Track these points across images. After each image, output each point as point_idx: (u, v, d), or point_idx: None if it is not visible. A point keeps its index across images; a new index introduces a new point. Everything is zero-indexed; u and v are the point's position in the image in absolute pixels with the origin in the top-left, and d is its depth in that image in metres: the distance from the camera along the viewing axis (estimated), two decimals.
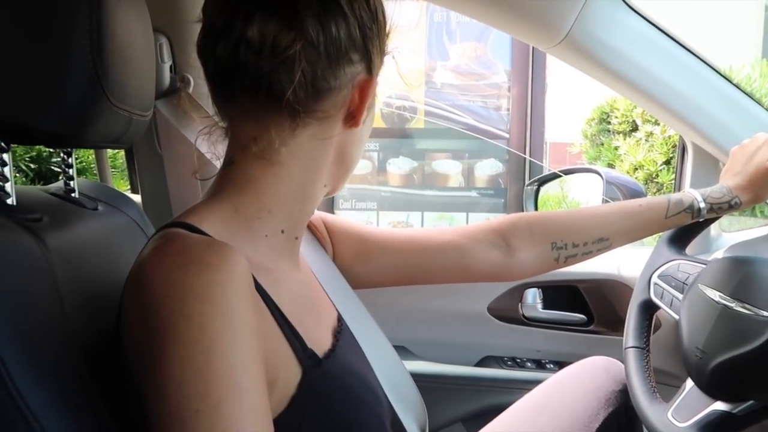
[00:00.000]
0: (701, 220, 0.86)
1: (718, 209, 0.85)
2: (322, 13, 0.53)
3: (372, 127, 0.66)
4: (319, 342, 0.59)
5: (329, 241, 0.79)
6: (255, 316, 0.48)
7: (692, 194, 0.85)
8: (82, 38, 0.53)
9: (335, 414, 0.55)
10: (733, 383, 0.75)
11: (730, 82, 1.05)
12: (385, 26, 0.59)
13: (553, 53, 1.07)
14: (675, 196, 0.85)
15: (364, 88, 0.57)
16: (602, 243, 0.81)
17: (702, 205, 0.84)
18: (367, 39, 0.56)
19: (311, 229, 0.77)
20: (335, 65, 0.55)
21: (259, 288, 0.53)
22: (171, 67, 1.01)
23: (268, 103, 0.55)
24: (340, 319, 0.68)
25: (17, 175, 2.59)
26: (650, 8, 1.03)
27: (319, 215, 0.80)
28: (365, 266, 0.79)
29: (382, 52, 0.60)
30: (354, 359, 0.64)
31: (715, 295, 0.79)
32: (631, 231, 0.83)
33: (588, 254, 0.82)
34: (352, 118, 0.58)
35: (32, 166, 2.71)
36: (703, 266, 0.88)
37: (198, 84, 0.99)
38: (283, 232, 0.60)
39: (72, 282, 0.57)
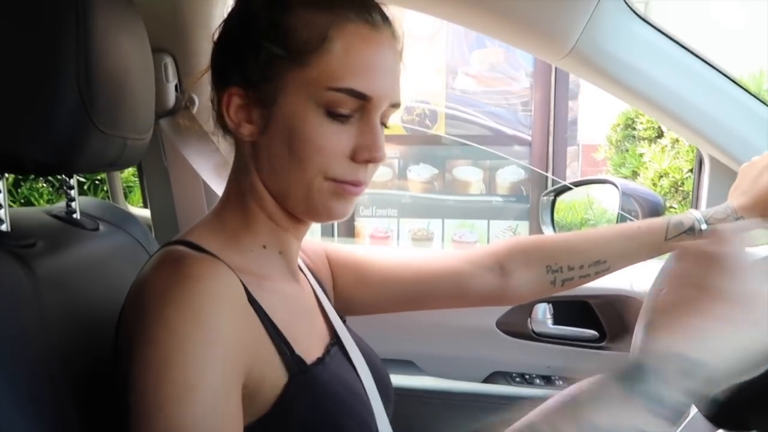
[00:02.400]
0: None
1: None
2: None
3: (298, 132, 0.57)
4: (309, 350, 0.60)
5: (329, 270, 0.80)
6: (241, 326, 0.51)
7: (693, 215, 0.82)
8: (69, 67, 0.53)
9: (322, 419, 0.57)
10: (737, 412, 0.72)
11: (747, 91, 1.01)
12: (247, 35, 0.59)
13: (561, 65, 1.05)
14: (675, 217, 0.82)
15: (226, 100, 0.60)
16: (599, 266, 0.80)
17: (704, 226, 0.81)
18: (225, 61, 0.61)
19: (311, 258, 0.79)
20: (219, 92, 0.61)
21: (248, 295, 0.55)
22: (176, 86, 1.02)
23: None
24: (334, 336, 0.69)
25: (44, 184, 2.66)
26: (666, 15, 1.00)
27: (321, 245, 0.82)
28: (365, 294, 0.80)
29: (247, 62, 0.58)
30: (344, 372, 0.65)
31: None
32: (630, 253, 0.82)
33: (585, 278, 0.81)
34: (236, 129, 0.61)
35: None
36: None
37: (202, 103, 1.00)
38: (264, 247, 0.63)
39: (62, 309, 0.58)
